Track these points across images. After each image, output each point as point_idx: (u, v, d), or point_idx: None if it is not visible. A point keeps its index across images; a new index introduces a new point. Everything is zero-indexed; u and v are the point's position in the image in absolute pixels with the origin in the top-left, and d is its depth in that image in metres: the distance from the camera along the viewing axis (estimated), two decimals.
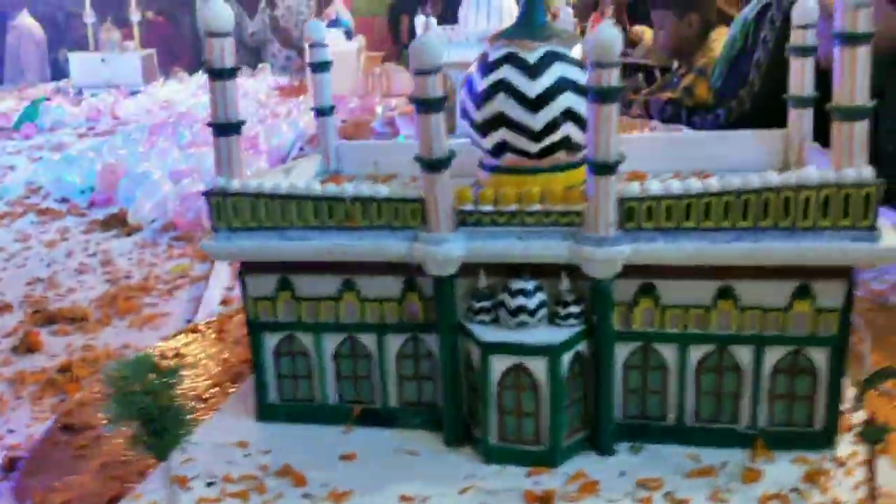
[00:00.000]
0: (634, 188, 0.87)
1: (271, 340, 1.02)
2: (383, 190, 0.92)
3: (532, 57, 0.99)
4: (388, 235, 0.92)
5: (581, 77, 0.98)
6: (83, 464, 1.04)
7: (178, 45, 7.32)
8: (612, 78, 0.82)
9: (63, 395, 1.37)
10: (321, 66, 1.24)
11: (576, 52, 1.01)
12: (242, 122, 0.96)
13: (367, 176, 1.27)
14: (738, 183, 0.84)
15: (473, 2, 3.30)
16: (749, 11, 3.23)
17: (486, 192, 0.90)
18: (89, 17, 5.85)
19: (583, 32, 4.63)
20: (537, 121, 0.98)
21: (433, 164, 0.88)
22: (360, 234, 0.93)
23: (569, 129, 0.99)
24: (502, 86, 0.99)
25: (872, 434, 0.71)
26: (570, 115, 0.98)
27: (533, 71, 0.98)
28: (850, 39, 0.79)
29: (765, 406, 0.93)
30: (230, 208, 0.95)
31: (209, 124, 0.95)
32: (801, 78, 1.09)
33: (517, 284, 0.91)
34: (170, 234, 2.43)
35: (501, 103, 0.99)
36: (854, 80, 0.80)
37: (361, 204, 0.92)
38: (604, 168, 0.84)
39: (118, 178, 2.87)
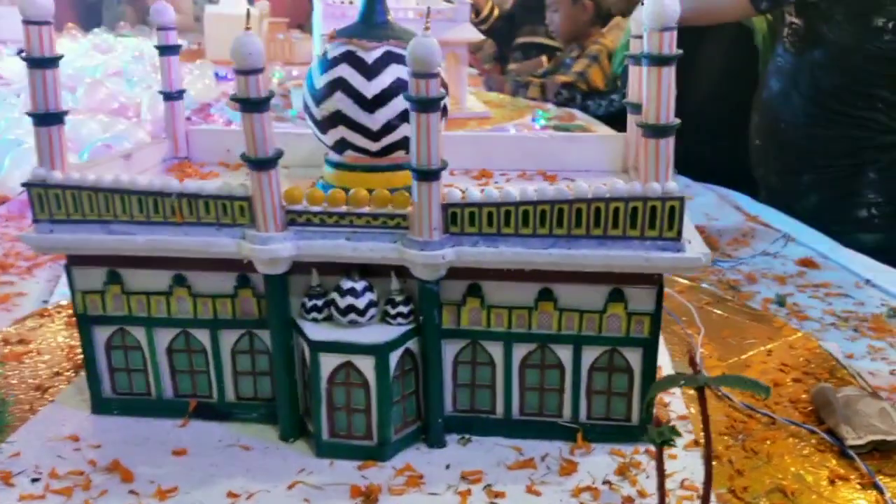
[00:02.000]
0: (456, 195, 0.89)
1: (102, 334, 1.01)
2: (210, 186, 0.91)
3: (370, 57, 0.99)
4: (215, 232, 0.92)
5: None
6: None
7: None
8: (431, 88, 0.83)
9: None
10: (168, 50, 1.21)
11: None
12: (65, 113, 0.93)
13: (219, 163, 1.26)
14: (553, 193, 0.87)
15: None
16: None
17: (315, 193, 0.91)
18: None
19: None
20: (375, 121, 0.99)
21: (260, 164, 0.88)
22: (187, 230, 0.92)
23: (407, 130, 1.00)
24: (340, 84, 0.99)
25: (660, 436, 0.76)
26: (408, 116, 0.99)
27: (370, 71, 0.99)
28: (658, 61, 0.83)
29: (584, 401, 0.97)
30: (52, 200, 0.93)
31: (29, 114, 0.92)
32: (638, 85, 1.12)
33: (347, 284, 0.92)
34: None
35: (339, 101, 0.99)
36: (660, 99, 0.84)
37: (188, 200, 0.91)
38: (426, 175, 0.86)
39: None
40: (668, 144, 0.86)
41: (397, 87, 0.98)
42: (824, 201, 2.53)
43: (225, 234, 0.92)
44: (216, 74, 4.60)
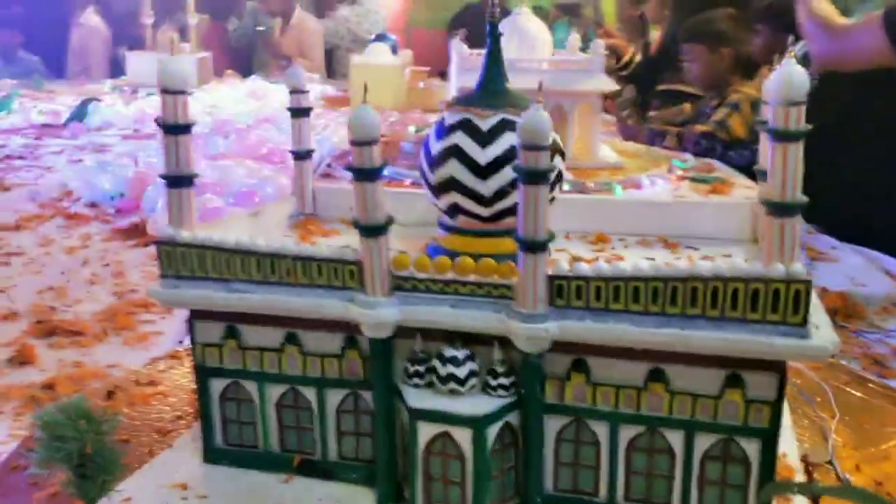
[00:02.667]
0: (564, 267, 0.86)
1: (218, 385, 1.04)
2: (324, 250, 0.93)
3: (485, 125, 0.99)
4: (326, 294, 0.93)
5: None
6: (34, 492, 1.08)
7: (233, 48, 7.45)
8: (541, 160, 0.82)
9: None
10: (300, 112, 1.26)
11: None
12: (195, 175, 0.98)
13: (342, 220, 1.29)
14: (667, 270, 0.83)
15: (506, 29, 3.31)
16: (799, 49, 3.18)
17: (423, 260, 0.91)
18: (148, 17, 6.00)
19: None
20: (487, 187, 0.99)
21: (370, 230, 0.89)
22: (300, 290, 0.94)
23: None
24: (454, 151, 1.00)
25: None
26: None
27: (485, 138, 0.99)
28: (784, 136, 0.78)
29: (696, 491, 0.92)
30: (178, 257, 0.98)
31: (161, 176, 0.98)
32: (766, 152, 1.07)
33: (449, 352, 0.91)
34: None
35: (453, 168, 1.00)
36: (786, 176, 0.79)
37: (302, 262, 0.94)
38: (532, 246, 0.84)
39: (146, 186, 2.94)
40: (794, 224, 0.80)
41: (511, 155, 0.98)
42: None
43: (335, 296, 0.93)
44: None
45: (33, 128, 4.41)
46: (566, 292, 0.87)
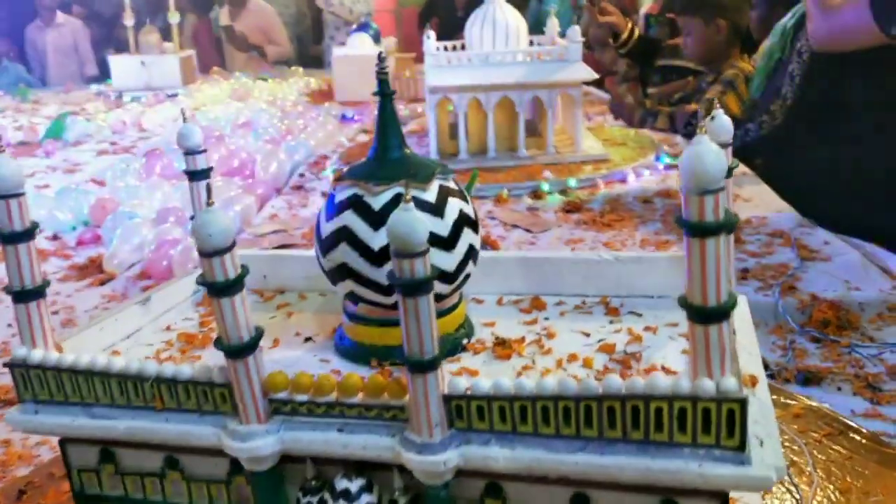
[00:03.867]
0: (460, 385, 0.73)
1: None
2: (186, 371, 0.80)
3: (377, 202, 0.86)
4: (197, 420, 0.81)
5: (436, 224, 0.85)
6: None
7: (217, 46, 7.30)
8: (417, 269, 0.68)
9: None
10: (197, 175, 1.13)
11: (432, 190, 0.88)
12: (46, 284, 0.85)
13: (254, 290, 1.17)
14: (576, 387, 0.70)
15: (478, 20, 3.15)
16: (788, 19, 3.00)
17: (302, 380, 0.78)
18: (129, 19, 5.85)
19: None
20: (381, 275, 0.86)
21: (234, 352, 0.76)
22: (168, 416, 0.81)
23: None
24: (344, 235, 0.87)
25: None
26: None
27: (377, 219, 0.85)
28: (700, 231, 0.64)
29: None
30: (35, 380, 0.85)
31: (5, 290, 0.85)
32: None
33: (341, 484, 0.78)
34: (142, 284, 2.37)
35: (345, 254, 0.87)
36: (706, 276, 0.65)
37: (166, 384, 0.81)
38: (420, 367, 0.71)
39: (108, 215, 2.82)
40: (721, 331, 0.66)
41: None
42: None
43: (207, 422, 0.80)
44: (343, 116, 4.63)
45: (9, 146, 4.29)
46: (466, 413, 0.73)
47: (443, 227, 0.87)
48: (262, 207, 2.92)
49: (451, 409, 0.73)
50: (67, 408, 0.85)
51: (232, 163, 3.37)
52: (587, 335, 0.95)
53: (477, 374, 0.87)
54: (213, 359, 0.94)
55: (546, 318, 1.00)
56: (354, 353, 0.92)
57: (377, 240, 0.85)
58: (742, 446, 0.67)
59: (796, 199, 2.60)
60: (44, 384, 0.85)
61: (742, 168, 3.06)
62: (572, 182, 2.85)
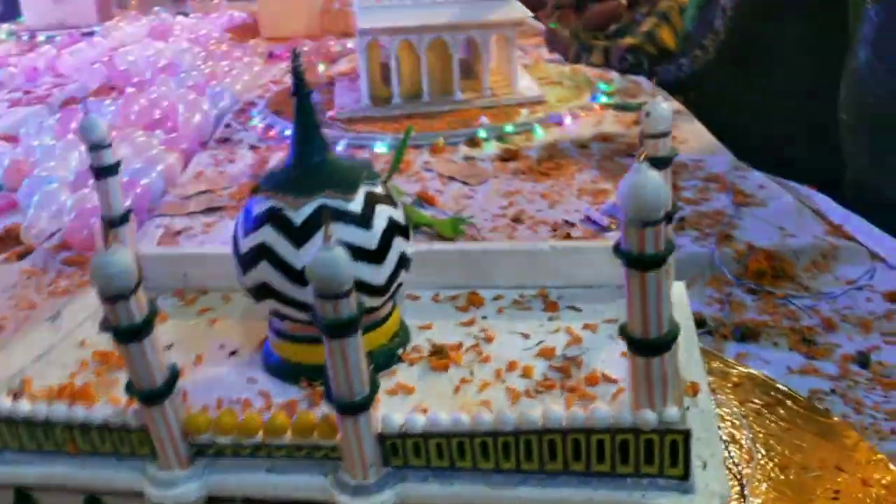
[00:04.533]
0: (395, 423, 0.69)
1: None
2: (99, 414, 0.74)
3: (298, 216, 0.80)
4: (115, 464, 0.76)
5: (361, 237, 0.80)
6: None
7: None
8: (342, 308, 0.63)
9: None
10: (105, 171, 1.04)
11: (358, 200, 0.82)
12: None
13: (174, 293, 1.10)
14: (514, 421, 0.67)
15: None
16: None
17: (224, 420, 0.73)
18: None
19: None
20: (307, 294, 0.80)
21: (148, 398, 0.70)
22: (83, 461, 0.76)
23: None
24: (264, 252, 0.80)
25: None
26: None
27: (299, 235, 0.79)
28: (640, 263, 0.60)
29: None
30: None
31: None
32: None
33: None
34: (62, 255, 2.26)
35: (266, 273, 0.81)
36: (647, 309, 0.61)
37: (80, 430, 0.75)
38: (351, 409, 0.67)
39: (23, 179, 2.67)
40: (663, 361, 0.63)
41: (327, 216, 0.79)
42: None
43: (126, 466, 0.75)
44: (270, 54, 4.45)
45: None
46: (402, 451, 0.70)
47: (370, 239, 0.81)
48: (186, 164, 2.80)
49: (385, 448, 0.70)
50: None
51: (153, 114, 3.22)
52: (526, 336, 0.91)
53: (413, 390, 0.83)
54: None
55: (484, 318, 0.96)
56: (283, 371, 0.87)
57: (301, 258, 0.79)
58: (686, 475, 0.65)
59: (730, 139, 2.60)
60: None
61: (677, 105, 3.04)
62: (509, 128, 2.79)
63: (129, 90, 3.51)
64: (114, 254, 0.65)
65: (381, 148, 2.75)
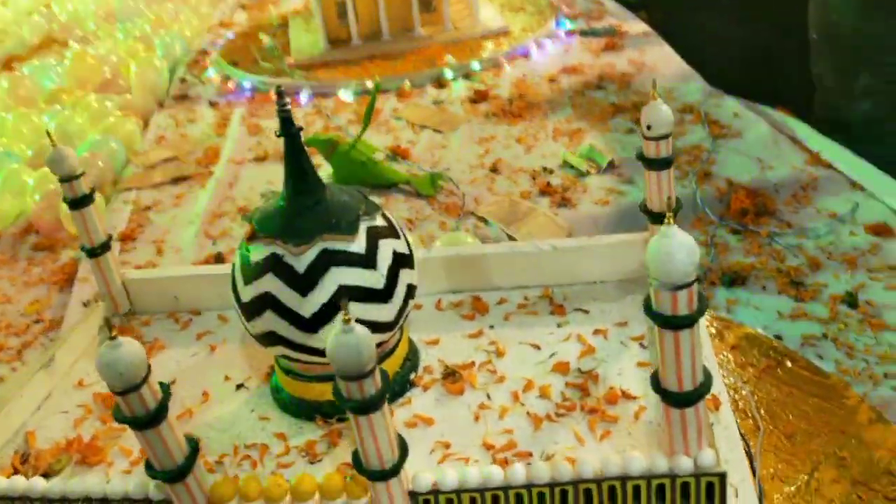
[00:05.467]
0: (426, 483, 0.68)
1: None
2: (119, 487, 0.73)
3: (301, 264, 0.77)
4: None
5: (367, 278, 0.78)
6: None
7: None
8: (366, 387, 0.61)
9: None
10: (79, 203, 1.00)
11: (360, 240, 0.79)
12: None
13: (168, 315, 1.07)
14: (549, 473, 0.66)
15: None
16: None
17: (251, 486, 0.72)
18: None
19: None
20: (320, 340, 0.78)
21: (171, 478, 0.68)
22: None
23: None
24: (269, 302, 0.78)
25: None
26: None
27: (304, 283, 0.77)
28: (673, 324, 0.59)
29: None
30: None
31: None
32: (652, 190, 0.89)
33: None
34: (30, 239, 2.19)
35: (272, 322, 0.78)
36: (680, 364, 0.60)
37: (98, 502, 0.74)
38: (382, 476, 0.66)
39: None
40: (697, 410, 0.63)
41: (343, 296, 0.77)
42: (880, 107, 2.21)
43: None
44: None
45: None
46: None
47: (377, 279, 0.79)
48: (145, 127, 2.70)
49: None
50: None
51: (103, 72, 3.08)
52: (537, 348, 0.90)
53: (432, 422, 0.82)
54: None
55: (491, 327, 0.95)
56: (296, 408, 0.86)
57: (307, 306, 0.77)
58: None
59: (697, 62, 2.56)
60: None
61: (643, 27, 2.98)
62: (475, 65, 2.71)
63: (74, 46, 3.35)
64: (119, 348, 0.62)
65: (345, 96, 2.67)
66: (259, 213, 0.81)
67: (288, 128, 0.78)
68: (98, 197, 1.02)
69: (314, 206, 0.79)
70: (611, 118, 2.36)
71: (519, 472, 0.67)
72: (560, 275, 1.00)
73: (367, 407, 0.62)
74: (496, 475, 0.67)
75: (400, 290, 0.81)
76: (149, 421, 0.65)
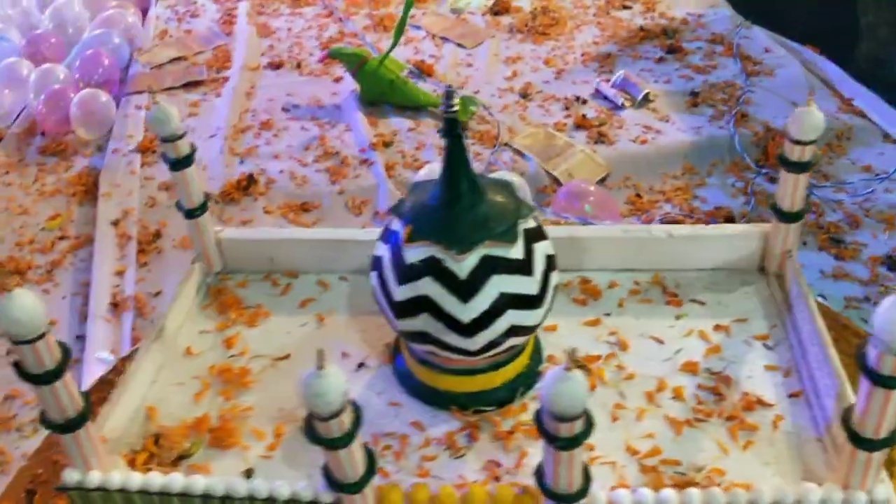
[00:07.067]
0: (601, 502, 0.70)
1: None
2: (285, 490, 0.73)
3: (462, 270, 0.75)
4: None
5: (524, 285, 0.77)
6: None
7: None
8: (576, 429, 0.62)
9: None
10: (181, 163, 0.95)
11: (519, 246, 0.78)
12: (87, 413, 0.73)
13: (263, 278, 1.05)
14: (725, 499, 0.69)
15: None
16: None
17: (420, 495, 0.72)
18: None
19: None
20: (474, 343, 0.78)
21: (348, 489, 0.69)
22: None
23: (512, 341, 0.80)
24: (427, 305, 0.77)
25: None
26: (512, 331, 0.79)
27: (465, 289, 0.76)
28: (887, 383, 0.60)
29: None
30: (97, 499, 0.76)
31: (42, 421, 0.72)
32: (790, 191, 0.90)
33: None
34: (36, 142, 2.09)
35: (427, 324, 0.78)
36: (883, 417, 0.62)
37: (260, 501, 0.74)
38: (567, 499, 0.67)
39: None
40: (882, 455, 0.66)
41: (500, 307, 0.76)
42: None
43: None
44: None
45: None
46: None
47: (533, 284, 0.78)
48: (144, 20, 2.55)
49: None
50: None
51: None
52: (660, 342, 0.92)
53: None
54: (260, 401, 0.87)
55: (607, 315, 0.96)
56: (429, 397, 0.86)
57: (468, 312, 0.76)
58: None
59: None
60: (108, 501, 0.76)
61: None
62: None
63: None
64: (326, 376, 0.61)
65: None
66: (410, 211, 0.79)
67: (453, 130, 0.75)
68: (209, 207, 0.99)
69: (473, 208, 0.77)
70: (639, 44, 2.31)
71: (695, 496, 0.69)
72: (670, 260, 1.00)
73: (572, 444, 0.63)
74: (671, 499, 0.70)
75: (549, 294, 0.81)
76: (342, 439, 0.64)
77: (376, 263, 0.82)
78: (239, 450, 0.84)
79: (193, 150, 0.97)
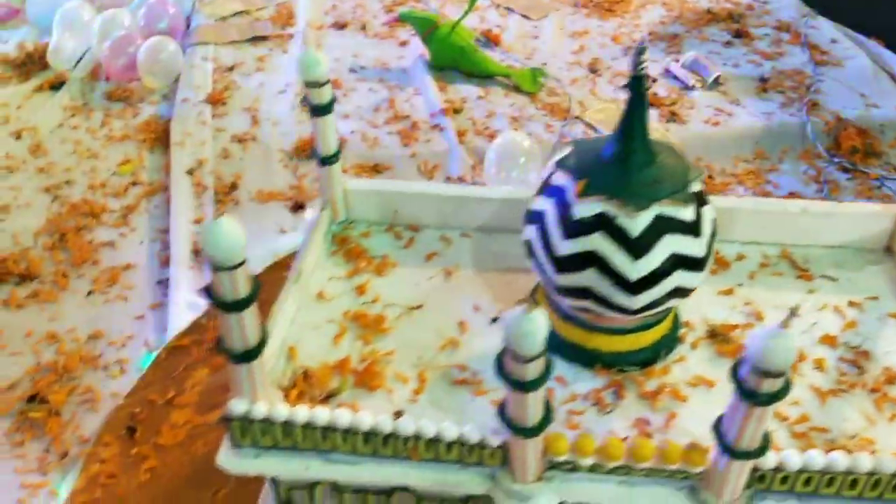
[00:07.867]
0: (771, 462, 0.71)
1: None
2: (452, 431, 0.74)
3: (636, 227, 0.76)
4: (458, 470, 0.76)
5: (692, 246, 0.78)
6: None
7: None
8: (777, 384, 0.63)
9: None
10: (322, 110, 0.95)
11: (691, 207, 0.78)
12: (262, 345, 0.73)
13: (387, 229, 1.05)
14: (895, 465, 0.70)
15: None
16: None
17: (584, 444, 0.73)
18: None
19: None
20: (637, 301, 0.78)
21: (526, 432, 0.70)
22: (423, 465, 0.76)
23: (672, 302, 0.81)
24: (593, 260, 0.77)
25: None
26: (676, 292, 0.79)
27: (636, 248, 0.76)
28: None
29: None
30: (257, 430, 0.77)
31: (221, 350, 0.72)
32: None
33: None
34: (100, 87, 2.07)
35: (592, 279, 0.78)
36: None
37: (426, 442, 0.75)
38: (742, 455, 0.68)
39: None
40: None
41: (672, 265, 0.77)
42: None
43: (471, 472, 0.76)
44: None
45: None
46: (770, 480, 0.73)
47: (701, 247, 0.79)
48: None
49: (753, 478, 0.72)
50: (296, 453, 0.77)
51: None
52: (795, 315, 0.92)
53: (713, 384, 0.85)
54: (399, 347, 0.89)
55: (739, 285, 0.96)
56: (573, 354, 0.87)
57: (636, 270, 0.76)
58: None
59: None
60: (269, 432, 0.77)
61: None
62: None
63: None
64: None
65: None
66: (579, 167, 0.79)
67: (639, 88, 0.76)
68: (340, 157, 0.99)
69: (647, 167, 0.78)
70: (705, 26, 2.30)
71: (864, 463, 0.71)
72: (797, 235, 1.01)
73: (773, 400, 0.64)
74: (841, 462, 0.71)
75: (711, 259, 0.81)
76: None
77: (535, 217, 0.83)
78: (384, 392, 0.85)
79: (334, 98, 0.97)
